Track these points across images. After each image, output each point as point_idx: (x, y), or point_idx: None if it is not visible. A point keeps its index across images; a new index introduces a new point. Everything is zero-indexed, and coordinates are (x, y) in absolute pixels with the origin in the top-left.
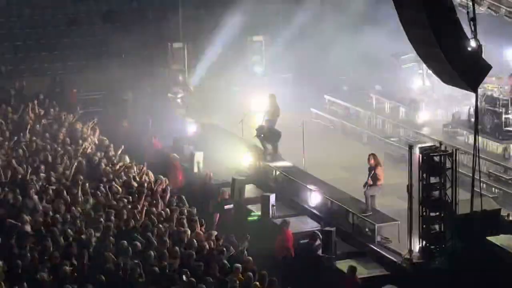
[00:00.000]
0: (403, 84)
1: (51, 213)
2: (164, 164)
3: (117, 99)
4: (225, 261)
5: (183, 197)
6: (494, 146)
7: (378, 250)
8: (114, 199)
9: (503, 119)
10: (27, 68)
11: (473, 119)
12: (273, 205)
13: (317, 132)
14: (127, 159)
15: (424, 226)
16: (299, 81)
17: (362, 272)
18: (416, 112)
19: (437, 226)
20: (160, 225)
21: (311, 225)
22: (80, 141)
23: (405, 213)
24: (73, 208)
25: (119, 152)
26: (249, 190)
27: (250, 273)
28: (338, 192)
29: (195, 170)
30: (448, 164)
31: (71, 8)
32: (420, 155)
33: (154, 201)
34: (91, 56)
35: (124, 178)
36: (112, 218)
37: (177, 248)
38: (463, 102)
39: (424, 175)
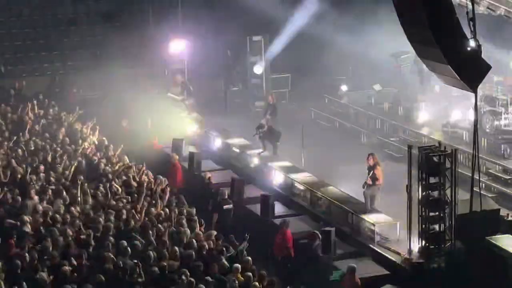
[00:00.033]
0: (402, 84)
1: (50, 213)
2: (164, 164)
3: (116, 99)
4: (225, 261)
5: (183, 197)
6: (493, 146)
7: (377, 250)
8: (114, 199)
9: (502, 119)
10: (26, 68)
11: (472, 119)
12: (272, 205)
13: (316, 132)
14: (127, 159)
15: (423, 226)
16: (298, 81)
17: (362, 272)
18: (416, 112)
19: (436, 226)
20: (160, 225)
21: (310, 225)
22: (80, 141)
23: (404, 213)
24: (73, 208)
25: (118, 151)
26: (249, 190)
27: (250, 273)
28: (337, 192)
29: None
30: (448, 164)
31: (70, 8)
32: (420, 155)
33: (154, 201)
34: (91, 56)
35: (124, 178)
36: (112, 218)
37: (176, 248)
38: (462, 102)
39: (424, 175)
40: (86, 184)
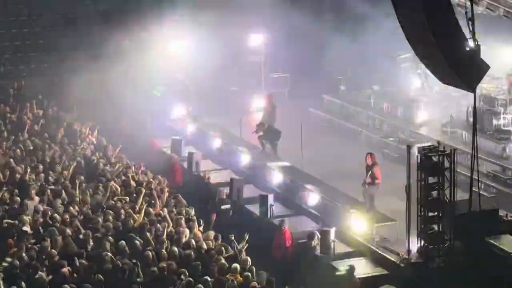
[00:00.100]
0: (401, 83)
1: (49, 213)
2: (163, 164)
3: (115, 99)
4: (223, 261)
5: (181, 197)
6: (492, 146)
7: (376, 250)
8: (113, 199)
9: (501, 119)
10: (25, 68)
11: (471, 119)
12: (271, 205)
13: (315, 131)
14: (126, 159)
15: (422, 226)
16: (297, 81)
17: (360, 272)
18: (415, 112)
19: (435, 226)
20: (158, 225)
21: (309, 224)
22: (79, 141)
23: (403, 213)
24: (72, 208)
25: (117, 151)
26: (248, 190)
27: (248, 273)
28: (336, 191)
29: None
30: (447, 164)
31: (70, 8)
32: (419, 155)
33: (153, 201)
34: (90, 56)
35: (123, 178)
36: (111, 218)
37: (175, 248)
38: (461, 102)
39: (423, 175)
40: (85, 184)
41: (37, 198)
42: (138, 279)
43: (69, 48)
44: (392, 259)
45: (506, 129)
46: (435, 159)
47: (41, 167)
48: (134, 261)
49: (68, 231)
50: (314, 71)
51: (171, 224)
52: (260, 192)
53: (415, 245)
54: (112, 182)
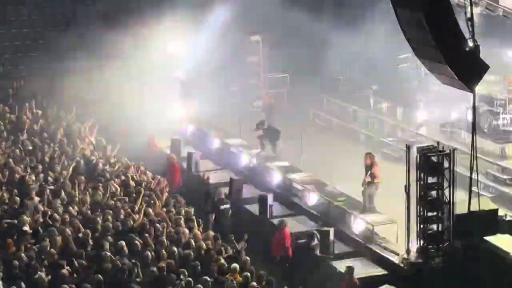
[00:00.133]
0: (401, 84)
1: (49, 213)
2: (162, 164)
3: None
4: (223, 261)
5: (181, 197)
6: (491, 146)
7: (376, 250)
8: (112, 199)
9: (500, 119)
10: (25, 68)
11: (470, 119)
12: (270, 205)
13: (314, 131)
14: (125, 159)
15: (422, 226)
16: (296, 81)
17: (360, 272)
18: (414, 112)
19: (435, 226)
20: (158, 225)
21: (309, 224)
22: (78, 141)
23: (403, 213)
24: (71, 208)
25: (116, 151)
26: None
27: (248, 273)
28: (335, 191)
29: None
30: (446, 164)
31: (69, 8)
32: (418, 155)
33: (152, 201)
34: (90, 56)
35: (122, 178)
36: (110, 218)
37: (174, 248)
38: (460, 102)
39: (422, 175)
40: (84, 184)
41: (36, 198)
42: (137, 279)
43: (69, 48)
44: (392, 259)
45: (505, 129)
46: (434, 159)
47: (40, 167)
48: (134, 261)
49: (68, 231)
50: (314, 71)
51: (170, 224)
52: (259, 192)
53: (414, 245)
54: (112, 182)
